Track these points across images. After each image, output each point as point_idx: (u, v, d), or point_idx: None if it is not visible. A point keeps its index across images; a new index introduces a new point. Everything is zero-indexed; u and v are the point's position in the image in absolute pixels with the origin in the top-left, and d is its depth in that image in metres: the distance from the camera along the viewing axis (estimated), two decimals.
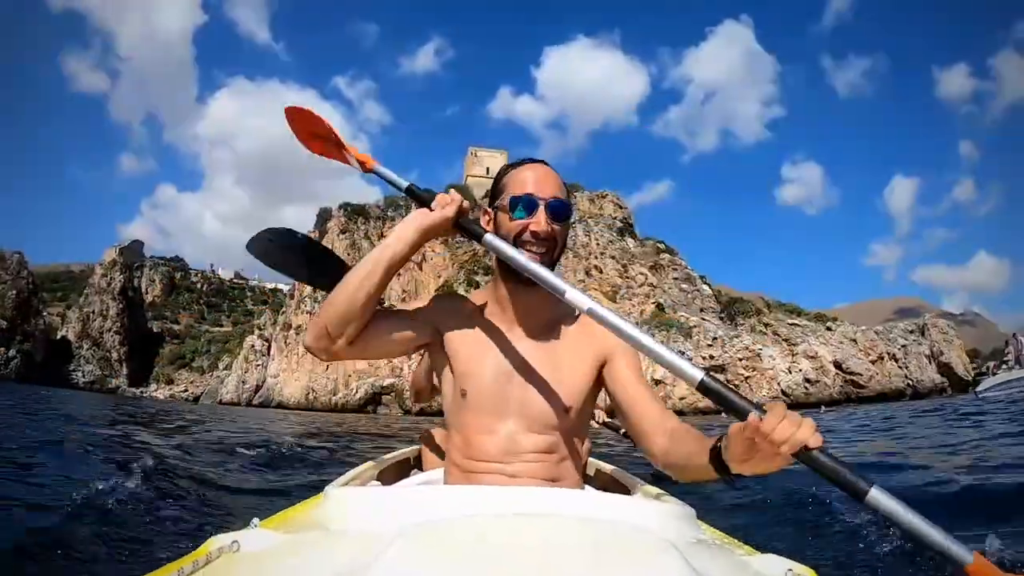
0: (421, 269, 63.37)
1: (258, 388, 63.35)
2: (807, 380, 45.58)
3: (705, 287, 58.85)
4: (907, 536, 0.76)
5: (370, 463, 1.74)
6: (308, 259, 1.45)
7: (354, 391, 54.95)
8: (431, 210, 1.14)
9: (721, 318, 53.71)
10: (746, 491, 3.80)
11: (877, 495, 0.77)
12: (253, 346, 65.93)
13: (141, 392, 77.01)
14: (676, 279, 57.53)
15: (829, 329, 51.00)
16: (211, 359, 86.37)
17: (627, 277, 57.32)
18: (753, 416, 0.80)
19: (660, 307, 52.89)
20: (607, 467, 2.01)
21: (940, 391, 44.72)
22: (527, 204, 1.17)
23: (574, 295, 1.06)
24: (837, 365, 46.22)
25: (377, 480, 1.60)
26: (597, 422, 3.63)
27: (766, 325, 51.12)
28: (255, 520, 0.91)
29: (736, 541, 1.09)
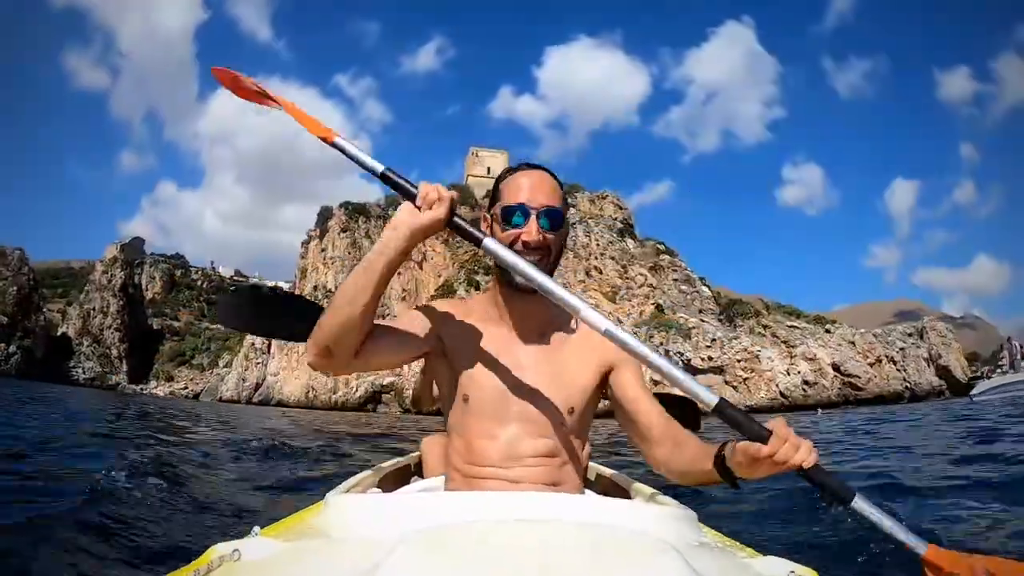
0: (421, 268, 63.45)
1: (258, 386, 63.40)
2: (805, 382, 45.64)
3: (704, 288, 58.95)
4: (884, 535, 0.92)
5: (370, 471, 1.73)
6: (283, 310, 1.40)
7: (354, 390, 55.03)
8: (417, 207, 1.08)
9: (720, 319, 53.79)
10: (747, 494, 3.80)
11: (859, 502, 0.93)
12: (253, 344, 65.82)
13: (141, 389, 76.86)
14: (676, 280, 57.62)
15: (828, 331, 51.10)
16: (211, 356, 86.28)
17: (627, 278, 57.40)
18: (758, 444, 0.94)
19: (659, 308, 52.95)
20: (607, 471, 2.01)
21: (938, 394, 44.83)
22: (519, 214, 1.18)
23: (590, 314, 1.05)
24: (835, 367, 46.28)
25: (377, 488, 1.60)
26: None
27: (765, 327, 51.20)
28: (256, 528, 0.91)
29: (738, 543, 1.09)
